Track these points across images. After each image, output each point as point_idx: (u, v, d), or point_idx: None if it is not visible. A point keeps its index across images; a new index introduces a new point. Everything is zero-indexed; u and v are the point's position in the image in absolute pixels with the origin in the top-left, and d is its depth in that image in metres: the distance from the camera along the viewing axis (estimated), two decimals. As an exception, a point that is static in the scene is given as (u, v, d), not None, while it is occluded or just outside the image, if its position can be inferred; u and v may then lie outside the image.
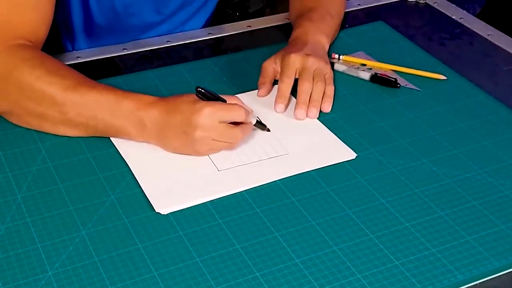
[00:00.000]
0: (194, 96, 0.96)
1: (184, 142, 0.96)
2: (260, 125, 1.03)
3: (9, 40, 1.02)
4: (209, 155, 0.99)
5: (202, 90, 0.96)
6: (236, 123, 0.98)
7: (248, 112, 0.99)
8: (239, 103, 0.99)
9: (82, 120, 0.98)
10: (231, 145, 0.99)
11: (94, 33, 1.27)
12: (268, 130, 1.04)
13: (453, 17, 1.38)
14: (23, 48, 1.02)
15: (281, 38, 1.26)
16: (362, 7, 1.41)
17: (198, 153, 0.98)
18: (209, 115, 0.94)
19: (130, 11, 1.24)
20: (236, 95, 1.12)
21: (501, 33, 1.32)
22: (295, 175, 0.97)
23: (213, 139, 0.96)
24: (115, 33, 1.27)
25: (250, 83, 1.15)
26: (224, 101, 0.98)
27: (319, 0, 1.25)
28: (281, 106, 1.08)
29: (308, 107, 1.08)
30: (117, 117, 0.97)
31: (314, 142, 1.04)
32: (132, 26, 1.27)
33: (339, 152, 1.02)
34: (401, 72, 1.19)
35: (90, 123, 0.99)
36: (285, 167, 0.98)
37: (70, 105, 0.97)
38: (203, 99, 0.96)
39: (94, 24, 1.25)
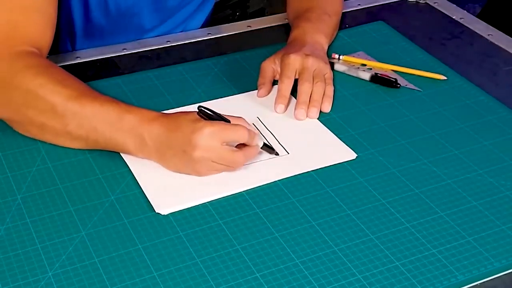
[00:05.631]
0: (196, 115, 0.93)
1: (184, 162, 0.93)
2: (267, 148, 0.99)
3: (15, 46, 1.01)
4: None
5: (204, 109, 0.93)
6: (241, 145, 0.95)
7: (252, 134, 0.95)
8: (243, 124, 0.96)
9: (82, 133, 0.96)
10: (231, 169, 0.95)
11: (94, 34, 1.27)
12: (277, 154, 1.00)
13: (453, 17, 1.38)
14: (28, 55, 1.01)
15: (281, 38, 1.26)
16: (362, 7, 1.41)
17: (198, 173, 0.94)
18: (209, 135, 0.91)
19: (129, 12, 1.24)
20: (236, 95, 1.13)
21: (502, 33, 1.32)
22: (295, 175, 0.97)
23: (213, 161, 0.93)
24: (115, 34, 1.26)
25: (250, 83, 1.15)
26: (228, 121, 0.94)
27: (315, 0, 1.25)
28: (281, 107, 1.08)
29: (308, 107, 1.08)
30: (117, 131, 0.95)
31: (314, 142, 1.04)
32: (132, 27, 1.27)
33: (339, 152, 1.02)
34: (401, 72, 1.19)
35: (90, 136, 0.96)
36: (285, 167, 0.98)
37: (71, 116, 0.95)
38: (205, 118, 0.93)
39: (94, 25, 1.25)
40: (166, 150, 0.94)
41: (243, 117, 0.97)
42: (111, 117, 0.95)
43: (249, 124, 0.98)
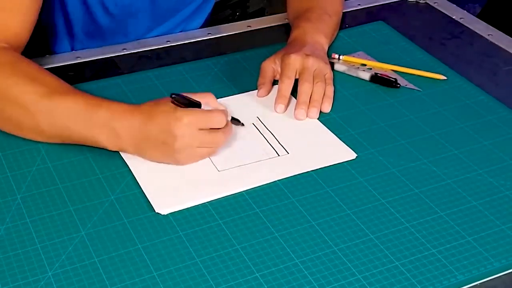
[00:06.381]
0: (170, 104, 0.94)
1: (164, 152, 0.94)
2: (234, 121, 1.01)
3: None
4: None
5: (177, 97, 0.93)
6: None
7: (225, 113, 0.97)
8: (211, 99, 0.97)
9: (56, 131, 0.97)
10: (213, 150, 0.97)
11: (94, 34, 1.26)
12: (243, 125, 1.03)
13: (453, 17, 1.38)
14: (1, 52, 1.01)
15: (281, 38, 1.26)
16: (362, 7, 1.41)
17: (178, 163, 0.95)
18: (188, 124, 0.92)
19: (129, 12, 1.24)
20: (236, 95, 1.13)
21: (502, 33, 1.32)
22: (295, 175, 0.97)
23: (196, 147, 0.94)
24: (115, 34, 1.26)
25: (250, 83, 1.15)
26: (199, 103, 0.95)
27: (315, 0, 1.25)
28: (281, 107, 1.08)
29: (308, 107, 1.08)
30: (90, 127, 0.95)
31: (314, 142, 1.04)
32: (132, 27, 1.27)
33: (339, 152, 1.02)
34: (401, 72, 1.19)
35: (64, 134, 0.97)
36: (285, 167, 0.98)
37: (44, 115, 0.96)
38: (179, 106, 0.93)
39: (94, 25, 1.25)
40: (142, 142, 0.94)
41: (211, 93, 0.99)
42: (83, 113, 0.95)
43: (215, 98, 0.99)
